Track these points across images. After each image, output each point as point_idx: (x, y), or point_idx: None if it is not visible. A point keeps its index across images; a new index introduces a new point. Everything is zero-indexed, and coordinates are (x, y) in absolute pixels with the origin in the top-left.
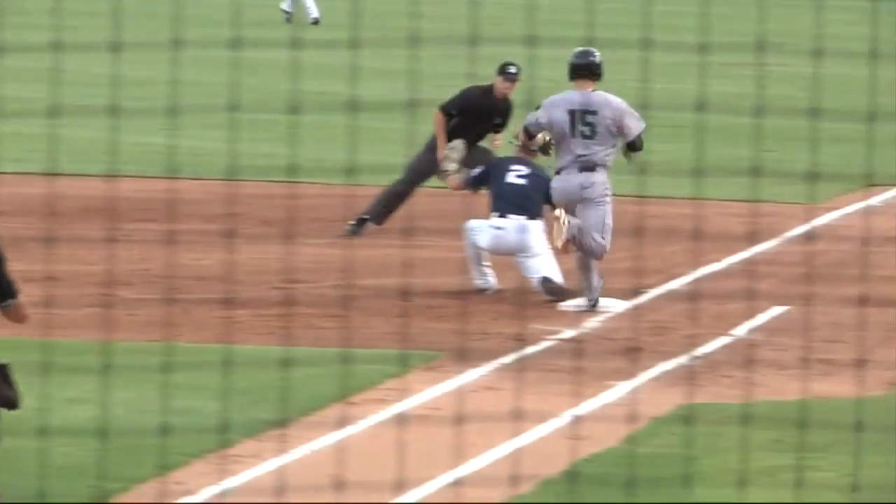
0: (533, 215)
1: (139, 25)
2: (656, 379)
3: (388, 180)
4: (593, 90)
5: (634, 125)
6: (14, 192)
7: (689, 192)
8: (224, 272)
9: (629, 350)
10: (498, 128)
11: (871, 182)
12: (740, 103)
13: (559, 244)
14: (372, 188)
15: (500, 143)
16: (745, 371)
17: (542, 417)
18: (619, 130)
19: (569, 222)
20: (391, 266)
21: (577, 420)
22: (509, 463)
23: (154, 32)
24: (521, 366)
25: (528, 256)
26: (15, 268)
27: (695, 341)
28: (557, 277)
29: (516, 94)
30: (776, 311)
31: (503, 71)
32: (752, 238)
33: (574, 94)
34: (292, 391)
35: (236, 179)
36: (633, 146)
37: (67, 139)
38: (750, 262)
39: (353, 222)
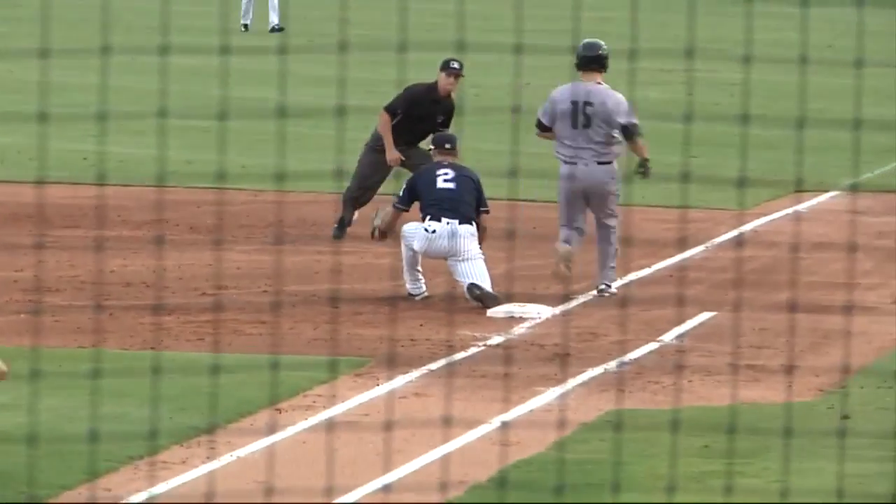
0: (465, 219)
1: (68, 32)
2: (585, 385)
3: (317, 186)
4: (599, 82)
5: (622, 117)
6: None
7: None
8: (152, 278)
9: (558, 356)
10: (441, 127)
11: (799, 188)
12: (669, 109)
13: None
14: (302, 195)
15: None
16: (674, 377)
17: (470, 423)
18: (609, 121)
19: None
20: (320, 272)
21: (506, 426)
22: (438, 469)
23: (83, 39)
24: (450, 372)
25: (459, 260)
26: None
27: (623, 347)
28: (486, 283)
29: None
30: (705, 317)
31: (446, 66)
32: (681, 244)
33: (580, 86)
34: (221, 397)
35: (164, 186)
36: (626, 132)
37: None
38: (678, 269)
39: (335, 225)
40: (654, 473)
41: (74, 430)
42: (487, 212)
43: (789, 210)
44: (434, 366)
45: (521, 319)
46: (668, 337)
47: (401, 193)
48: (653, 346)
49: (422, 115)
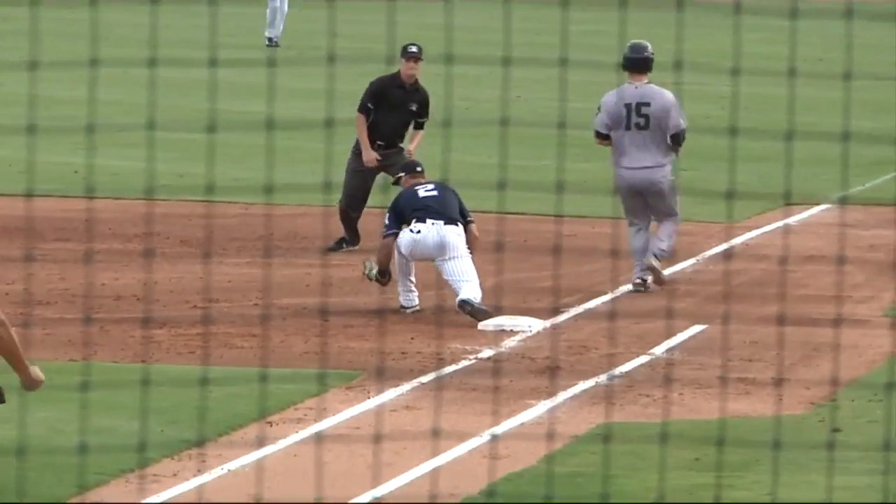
0: (449, 220)
1: (57, 44)
2: (575, 398)
3: (307, 199)
4: (647, 82)
5: (677, 120)
6: None
7: (606, 211)
8: (143, 291)
9: (548, 369)
10: (417, 117)
11: (789, 201)
12: None
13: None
14: (293, 207)
15: (416, 145)
16: (665, 390)
17: (461, 436)
18: (666, 119)
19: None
20: (310, 285)
21: (496, 439)
22: (429, 482)
23: (72, 51)
24: (440, 385)
25: (446, 259)
26: None
27: (613, 360)
28: (474, 280)
29: (436, 112)
30: (695, 330)
31: (404, 51)
32: (671, 257)
33: (629, 88)
34: (212, 411)
35: (154, 199)
36: (675, 140)
37: None
38: (668, 281)
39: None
40: (644, 486)
41: (65, 443)
42: (472, 221)
43: (779, 223)
44: (425, 379)
45: (512, 332)
46: (659, 350)
47: (386, 222)
48: (643, 359)
49: (392, 104)
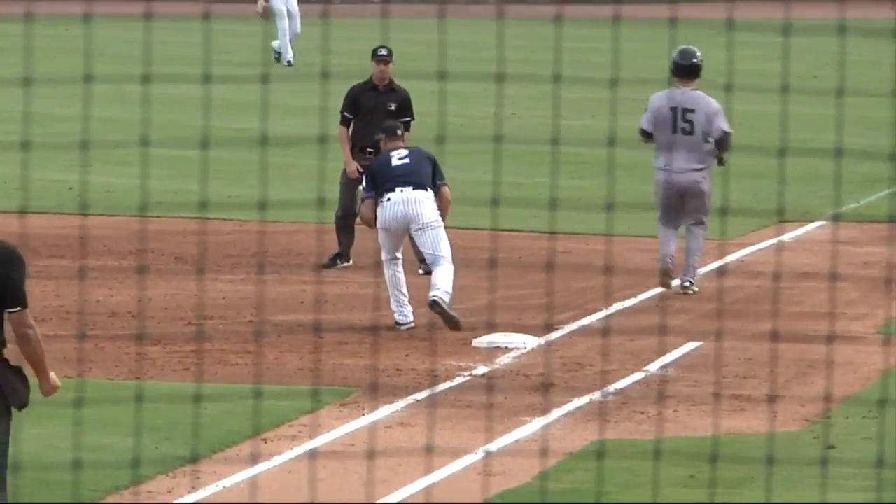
0: (419, 186)
1: (51, 61)
2: (569, 415)
3: (301, 216)
4: (693, 89)
5: (720, 125)
6: None
7: (600, 227)
8: (137, 308)
9: (542, 386)
10: (400, 117)
11: (783, 218)
12: None
13: None
14: (287, 224)
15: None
16: (659, 407)
17: (455, 453)
18: (710, 126)
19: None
20: (305, 302)
21: (490, 456)
22: (422, 498)
23: (66, 68)
24: (434, 402)
25: (418, 228)
26: None
27: (608, 377)
28: (448, 283)
29: (429, 128)
30: (689, 346)
31: (374, 54)
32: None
33: (677, 92)
34: (206, 427)
35: (148, 215)
36: (720, 144)
37: None
38: (662, 298)
39: (332, 257)
40: (637, 503)
41: (59, 459)
42: (445, 184)
43: (772, 240)
44: (419, 395)
45: (506, 349)
46: (653, 367)
47: (363, 183)
48: (638, 375)
49: (369, 107)
